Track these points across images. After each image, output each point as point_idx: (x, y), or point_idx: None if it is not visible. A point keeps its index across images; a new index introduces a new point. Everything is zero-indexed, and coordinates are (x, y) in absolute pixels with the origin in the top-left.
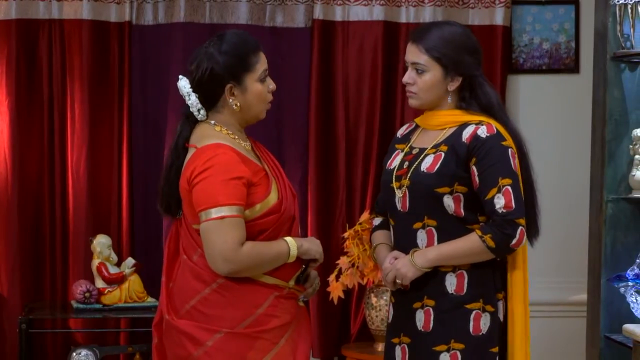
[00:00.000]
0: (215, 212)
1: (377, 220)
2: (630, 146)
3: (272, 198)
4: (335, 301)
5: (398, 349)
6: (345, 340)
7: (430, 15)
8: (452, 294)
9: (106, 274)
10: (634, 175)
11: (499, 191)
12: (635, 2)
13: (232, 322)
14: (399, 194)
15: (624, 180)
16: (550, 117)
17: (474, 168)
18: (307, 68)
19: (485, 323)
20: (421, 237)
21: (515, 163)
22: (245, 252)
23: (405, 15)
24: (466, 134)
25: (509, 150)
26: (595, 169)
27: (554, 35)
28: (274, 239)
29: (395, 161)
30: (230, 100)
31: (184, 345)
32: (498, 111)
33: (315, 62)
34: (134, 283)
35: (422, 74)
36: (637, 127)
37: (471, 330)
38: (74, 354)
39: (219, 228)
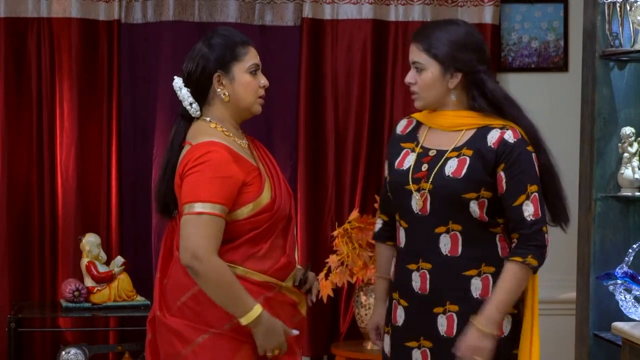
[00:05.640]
0: (196, 207)
1: (379, 222)
2: (619, 144)
3: (265, 197)
4: (325, 300)
5: (417, 353)
6: (334, 338)
7: (419, 14)
8: (477, 298)
9: (95, 272)
10: (623, 173)
11: (527, 198)
12: (623, 0)
13: (219, 321)
14: (417, 197)
15: (612, 179)
16: (539, 115)
17: (502, 174)
18: (297, 66)
19: (506, 325)
20: (444, 241)
21: (537, 169)
22: (218, 263)
23: (395, 13)
24: (492, 138)
25: (533, 155)
26: (584, 167)
27: (543, 34)
28: (267, 237)
29: (406, 162)
30: (219, 90)
31: (173, 343)
32: (507, 106)
33: (305, 60)
34: (123, 282)
35: (421, 73)
36: (626, 125)
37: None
38: (63, 352)
39: (196, 223)
